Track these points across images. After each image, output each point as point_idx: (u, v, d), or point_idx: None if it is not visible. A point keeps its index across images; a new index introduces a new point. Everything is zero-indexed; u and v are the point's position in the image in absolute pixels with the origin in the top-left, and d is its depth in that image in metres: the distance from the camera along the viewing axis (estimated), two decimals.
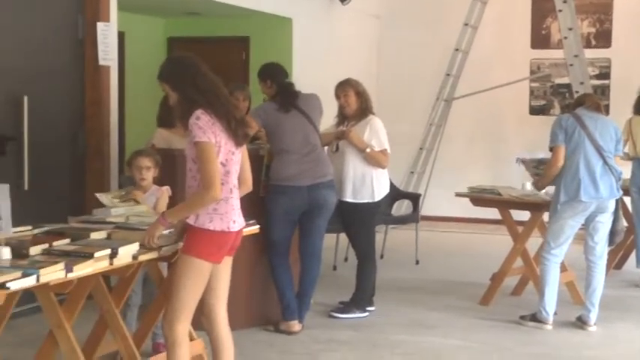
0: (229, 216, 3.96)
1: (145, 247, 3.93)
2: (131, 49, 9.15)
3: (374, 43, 11.69)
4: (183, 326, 3.96)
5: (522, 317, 6.29)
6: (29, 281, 3.30)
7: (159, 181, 5.38)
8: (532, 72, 11.25)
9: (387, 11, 11.63)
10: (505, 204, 6.80)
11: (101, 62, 6.66)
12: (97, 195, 4.92)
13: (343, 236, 7.57)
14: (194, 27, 9.94)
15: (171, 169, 5.78)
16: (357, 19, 10.96)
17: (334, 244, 8.15)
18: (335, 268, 8.15)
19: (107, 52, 6.68)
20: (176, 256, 4.18)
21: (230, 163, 3.96)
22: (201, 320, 4.19)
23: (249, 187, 4.22)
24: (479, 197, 7.00)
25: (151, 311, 4.81)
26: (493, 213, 7.34)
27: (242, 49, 9.78)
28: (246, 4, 8.72)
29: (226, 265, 4.12)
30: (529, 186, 6.88)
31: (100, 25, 6.62)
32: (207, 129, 3.86)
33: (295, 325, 5.96)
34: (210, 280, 4.03)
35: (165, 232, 4.25)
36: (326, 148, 6.26)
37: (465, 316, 6.50)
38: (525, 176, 7.21)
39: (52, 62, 6.43)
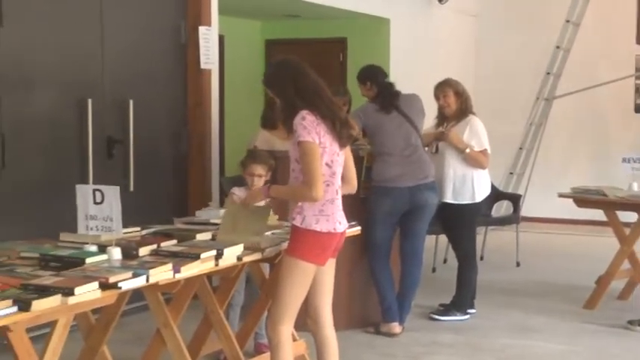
0: (335, 217, 3.96)
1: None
2: (230, 51, 9.26)
3: (472, 42, 11.56)
4: (286, 327, 3.98)
5: (630, 322, 6.11)
6: (139, 281, 3.36)
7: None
8: (637, 68, 10.94)
9: (485, 10, 11.49)
10: (611, 205, 6.63)
11: (203, 66, 6.77)
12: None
13: (442, 238, 7.51)
14: (291, 29, 10.00)
15: (273, 171, 5.84)
16: (455, 18, 10.86)
17: (433, 246, 8.09)
18: (434, 270, 8.09)
19: (208, 56, 6.79)
20: (279, 257, 4.22)
21: (335, 165, 3.96)
22: (307, 322, 4.20)
23: (353, 187, 4.20)
24: (583, 198, 6.83)
25: (254, 311, 4.87)
26: (597, 214, 7.16)
27: (339, 51, 9.80)
28: (343, 6, 8.74)
29: (330, 266, 4.12)
30: (636, 186, 6.70)
31: (201, 30, 6.73)
32: (311, 129, 3.86)
33: (396, 327, 5.93)
34: (315, 281, 4.03)
35: (269, 233, 4.30)
36: (426, 148, 6.21)
37: (569, 320, 6.36)
38: (632, 176, 7.01)
39: (156, 66, 6.57)
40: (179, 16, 6.74)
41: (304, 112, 3.88)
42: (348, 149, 4.13)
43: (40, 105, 5.60)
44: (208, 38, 6.77)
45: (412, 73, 8.99)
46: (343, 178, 4.08)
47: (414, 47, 9.75)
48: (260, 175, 5.14)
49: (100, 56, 6.03)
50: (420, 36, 10.03)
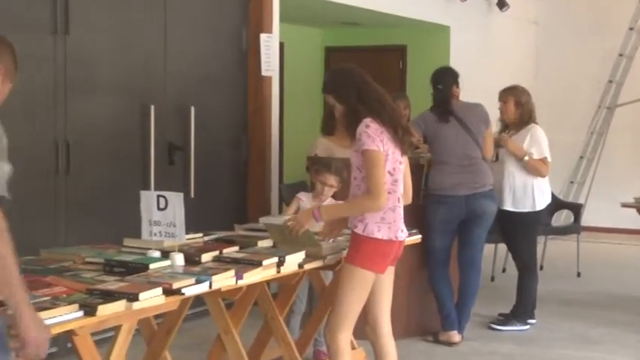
0: (397, 225, 3.95)
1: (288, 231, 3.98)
2: (289, 58, 9.32)
3: (532, 49, 11.45)
4: (345, 335, 3.98)
5: None
6: (202, 287, 3.39)
7: None
8: None
9: (545, 17, 11.38)
10: None
11: (264, 73, 6.81)
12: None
13: (502, 246, 7.44)
14: (351, 36, 10.02)
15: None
16: (516, 25, 10.77)
17: (492, 255, 8.02)
18: (493, 278, 8.02)
19: (269, 63, 6.83)
20: (339, 265, 4.22)
21: (397, 172, 3.95)
22: (366, 330, 4.19)
23: (409, 198, 4.18)
24: None
25: (313, 319, 4.88)
26: None
27: (399, 58, 9.80)
28: (403, 13, 8.73)
29: (389, 275, 4.11)
30: None
31: (263, 37, 6.77)
32: (375, 137, 3.85)
33: (455, 336, 5.89)
34: (375, 290, 4.03)
35: (330, 241, 4.30)
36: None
37: (633, 332, 6.24)
38: None
39: (218, 73, 6.62)
40: (241, 23, 6.79)
41: (368, 120, 3.88)
42: (406, 161, 4.11)
43: (103, 111, 5.69)
44: (269, 45, 6.81)
45: (472, 81, 8.89)
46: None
47: (473, 55, 9.70)
48: (332, 185, 5.12)
49: (163, 63, 6.10)
50: (480, 43, 9.97)
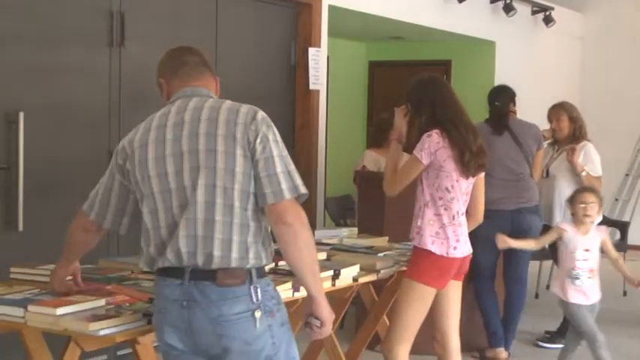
0: (450, 241, 3.96)
1: None
2: (334, 72, 9.36)
3: (577, 65, 11.39)
4: (403, 349, 4.00)
5: None
6: None
7: (366, 206, 5.41)
8: None
9: (591, 33, 11.32)
10: None
11: (311, 86, 6.86)
12: None
13: (546, 264, 7.39)
14: (396, 51, 10.05)
15: (381, 192, 5.85)
16: (561, 41, 10.73)
17: (536, 272, 7.96)
18: (537, 295, 7.97)
19: (317, 77, 6.87)
20: (392, 279, 4.24)
21: (456, 190, 3.96)
22: (434, 346, 4.20)
23: (478, 220, 4.20)
24: None
25: (362, 333, 4.88)
26: None
27: (444, 73, 9.78)
28: (448, 28, 8.73)
29: (456, 290, 4.12)
30: None
31: (311, 51, 6.82)
32: (428, 150, 3.89)
33: (502, 353, 5.86)
34: (441, 305, 4.04)
35: (381, 254, 4.31)
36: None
37: None
38: None
39: (267, 87, 6.67)
40: (290, 37, 6.85)
41: (434, 131, 3.92)
42: (481, 181, 4.11)
43: None
44: (317, 59, 6.86)
45: (517, 96, 8.90)
46: (468, 209, 4.08)
47: (519, 70, 9.66)
48: (592, 202, 5.08)
49: None
50: (526, 59, 9.94)
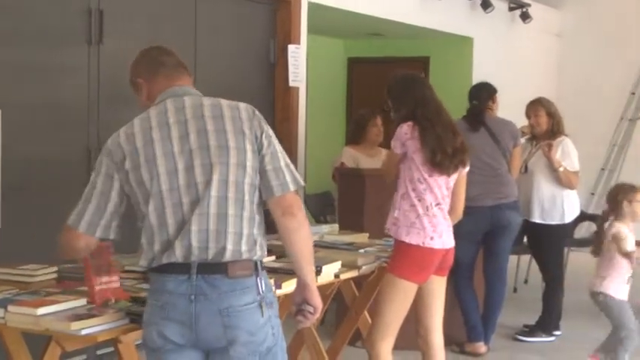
0: (427, 232, 3.99)
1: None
2: (312, 69, 9.37)
3: (554, 61, 11.47)
4: (386, 344, 4.03)
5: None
6: None
7: (346, 202, 5.43)
8: None
9: (568, 29, 11.40)
10: None
11: (291, 83, 6.86)
12: None
13: (524, 258, 7.45)
14: (374, 47, 10.07)
15: (360, 189, 5.88)
16: (539, 37, 10.80)
17: (515, 266, 8.02)
18: (515, 290, 8.03)
19: (297, 74, 6.88)
20: (372, 275, 4.26)
21: (429, 182, 4.01)
22: (418, 341, 4.23)
23: (458, 215, 4.25)
24: None
25: (343, 329, 4.90)
26: None
27: (422, 70, 9.80)
28: (427, 24, 8.76)
29: (440, 285, 4.16)
30: None
31: (291, 48, 6.82)
32: (399, 140, 4.04)
33: (481, 347, 5.91)
34: (424, 300, 4.07)
35: (362, 250, 4.33)
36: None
37: None
38: None
39: (247, 84, 6.67)
40: (269, 34, 6.85)
41: (404, 124, 4.02)
42: (463, 177, 4.15)
43: None
44: (297, 56, 6.87)
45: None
46: (450, 206, 4.12)
47: (496, 66, 9.71)
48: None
49: (193, 74, 6.12)
50: (503, 55, 10.00)
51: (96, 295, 3.07)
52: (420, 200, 4.00)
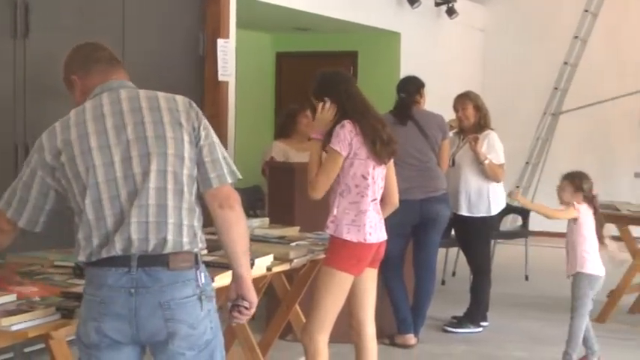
0: (366, 228, 4.03)
1: None
2: (240, 64, 9.34)
3: (479, 56, 11.66)
4: (323, 336, 4.04)
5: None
6: None
7: (276, 196, 5.43)
8: None
9: (492, 24, 11.60)
10: (624, 220, 6.70)
11: (220, 78, 6.82)
12: None
13: (452, 251, 7.56)
14: (302, 42, 10.08)
15: (290, 182, 5.89)
16: (464, 32, 10.97)
17: (443, 259, 8.14)
18: (444, 282, 8.15)
19: (226, 68, 6.85)
20: (304, 268, 4.28)
21: (371, 176, 4.04)
22: (350, 334, 4.26)
23: (394, 204, 4.29)
24: None
25: (275, 323, 4.91)
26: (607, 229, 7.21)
27: (350, 64, 9.87)
28: (354, 19, 8.82)
29: (371, 277, 4.19)
30: None
31: (220, 42, 6.78)
32: (344, 140, 3.96)
33: (411, 339, 5.98)
34: (357, 293, 4.10)
35: (294, 244, 4.35)
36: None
37: None
38: None
39: (176, 78, 6.59)
40: (198, 28, 6.80)
41: (345, 122, 3.99)
42: (391, 167, 4.20)
43: (63, 114, 5.63)
44: (226, 51, 6.83)
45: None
46: (384, 196, 4.16)
47: (424, 61, 9.83)
48: None
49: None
50: (430, 50, 10.12)
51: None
52: (363, 197, 4.03)
